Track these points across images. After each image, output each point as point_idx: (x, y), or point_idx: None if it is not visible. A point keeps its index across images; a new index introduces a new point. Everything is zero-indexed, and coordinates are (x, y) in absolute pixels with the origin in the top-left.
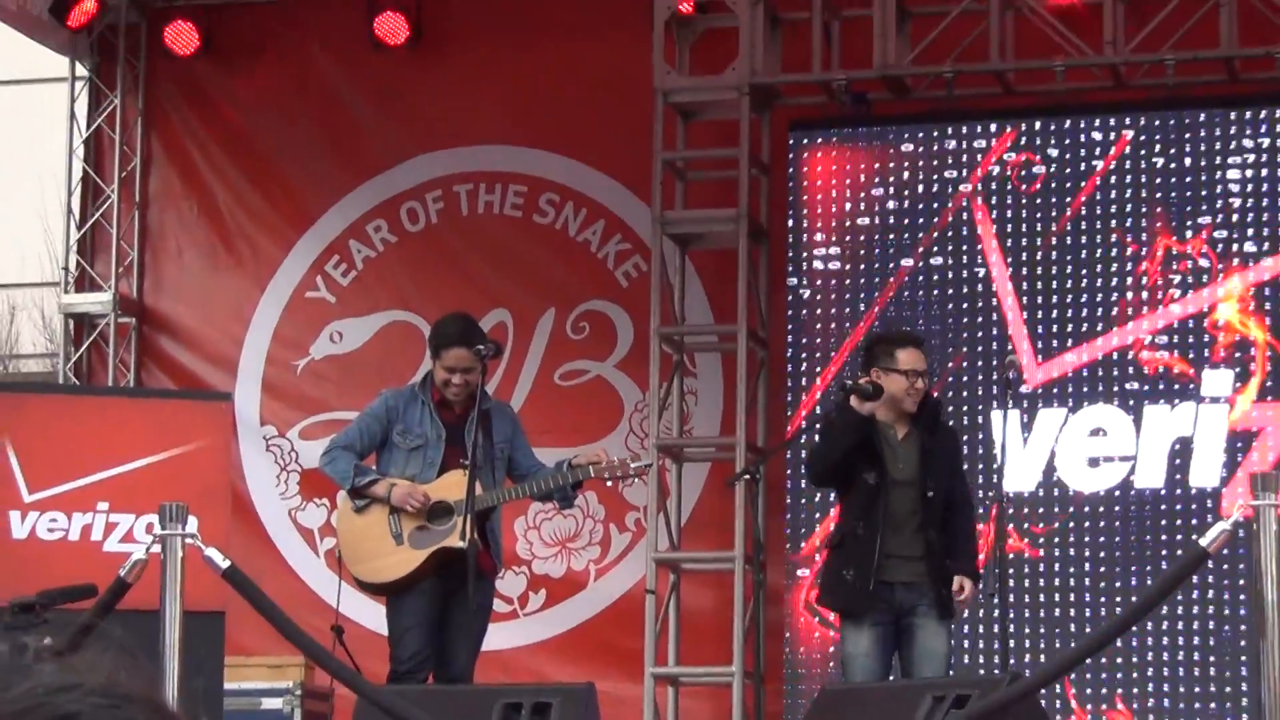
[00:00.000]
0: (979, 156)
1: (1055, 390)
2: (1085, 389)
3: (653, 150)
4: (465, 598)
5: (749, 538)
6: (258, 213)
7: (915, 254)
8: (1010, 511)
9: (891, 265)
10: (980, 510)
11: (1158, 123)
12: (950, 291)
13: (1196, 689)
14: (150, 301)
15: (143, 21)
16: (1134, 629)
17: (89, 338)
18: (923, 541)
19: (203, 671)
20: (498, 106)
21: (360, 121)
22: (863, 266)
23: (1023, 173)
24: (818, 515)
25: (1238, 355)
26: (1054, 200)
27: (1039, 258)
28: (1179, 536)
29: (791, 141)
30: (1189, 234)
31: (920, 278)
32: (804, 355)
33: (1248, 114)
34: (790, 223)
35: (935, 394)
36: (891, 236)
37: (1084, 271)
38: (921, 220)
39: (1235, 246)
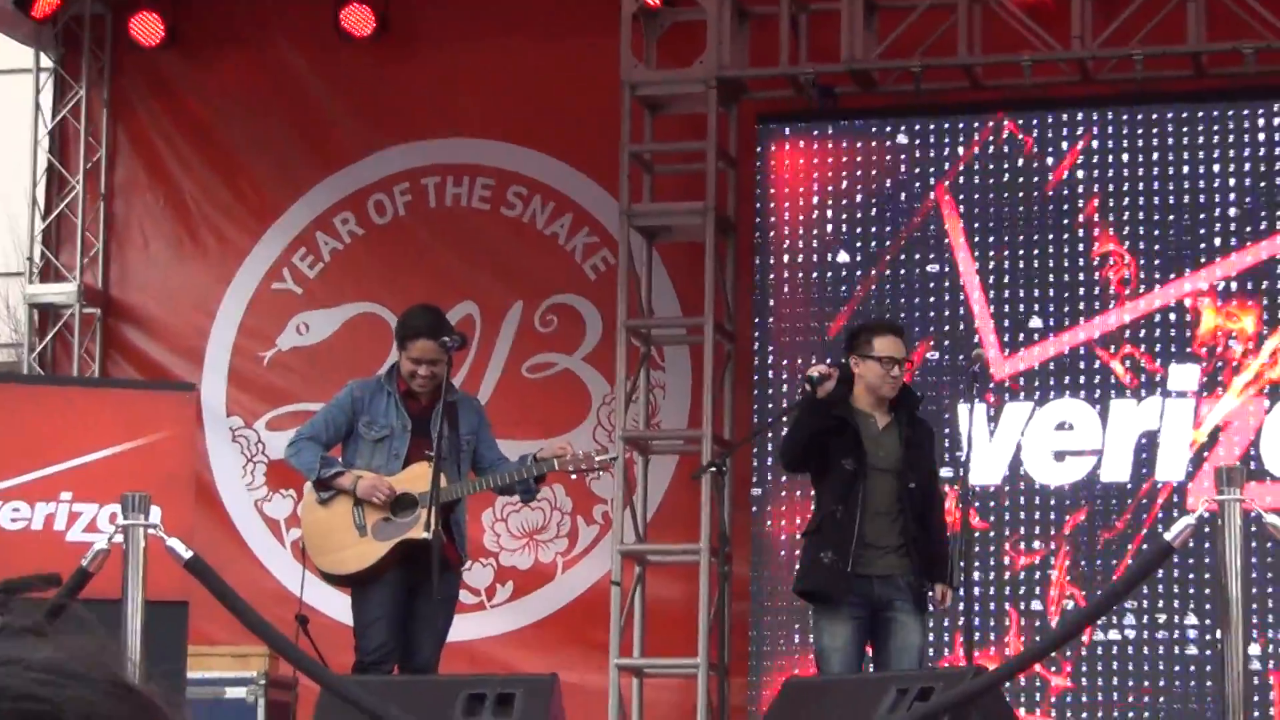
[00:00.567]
0: (946, 150)
1: (1022, 384)
2: (1052, 383)
3: (620, 143)
4: (430, 589)
5: (715, 530)
6: (224, 205)
7: (882, 248)
8: (976, 504)
9: (859, 259)
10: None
11: (1125, 118)
12: (917, 285)
13: (1161, 682)
14: (116, 292)
15: (108, 13)
16: (1099, 622)
17: (54, 328)
18: (900, 533)
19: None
20: (465, 99)
21: (327, 114)
22: (830, 260)
23: (990, 167)
24: (784, 508)
25: (1204, 350)
26: (1021, 195)
27: (1006, 252)
28: (1144, 531)
29: (759, 135)
30: (1156, 229)
31: (887, 271)
32: (771, 348)
33: (1215, 110)
34: (757, 216)
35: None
36: (859, 230)
37: (1051, 265)
38: (889, 214)
39: (1203, 243)
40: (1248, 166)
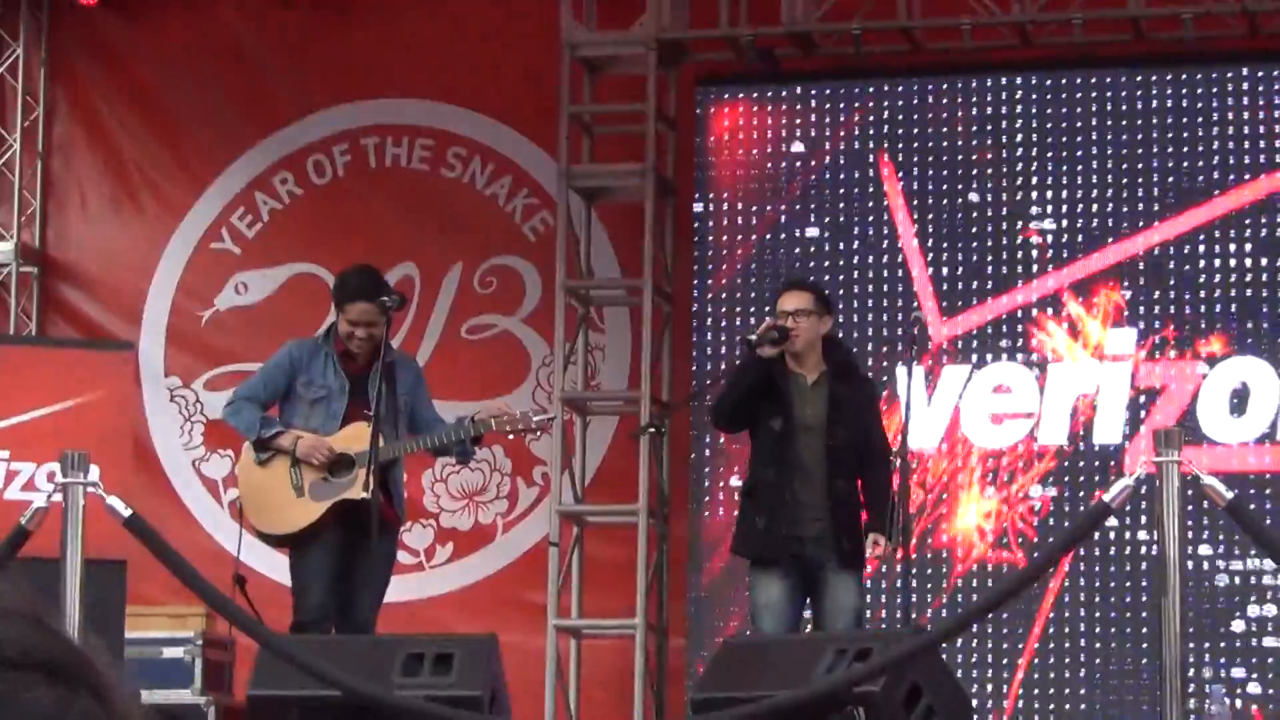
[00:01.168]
0: (886, 114)
1: (960, 347)
2: (989, 346)
3: (559, 104)
4: (368, 549)
5: (653, 491)
6: (163, 164)
7: (821, 211)
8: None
9: (798, 221)
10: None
11: (1064, 82)
12: (856, 247)
13: (1098, 645)
14: (53, 251)
15: None
16: (1037, 583)
17: None
18: (831, 493)
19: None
20: (405, 59)
21: (266, 75)
22: (769, 223)
23: (929, 130)
24: (722, 469)
25: (1142, 313)
26: (960, 158)
27: (944, 216)
28: (1082, 493)
29: (699, 97)
30: (1094, 192)
31: (826, 234)
32: (709, 310)
33: (1153, 75)
34: (696, 178)
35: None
36: (797, 193)
37: (989, 229)
38: (828, 177)
39: (1141, 205)
40: (1185, 133)
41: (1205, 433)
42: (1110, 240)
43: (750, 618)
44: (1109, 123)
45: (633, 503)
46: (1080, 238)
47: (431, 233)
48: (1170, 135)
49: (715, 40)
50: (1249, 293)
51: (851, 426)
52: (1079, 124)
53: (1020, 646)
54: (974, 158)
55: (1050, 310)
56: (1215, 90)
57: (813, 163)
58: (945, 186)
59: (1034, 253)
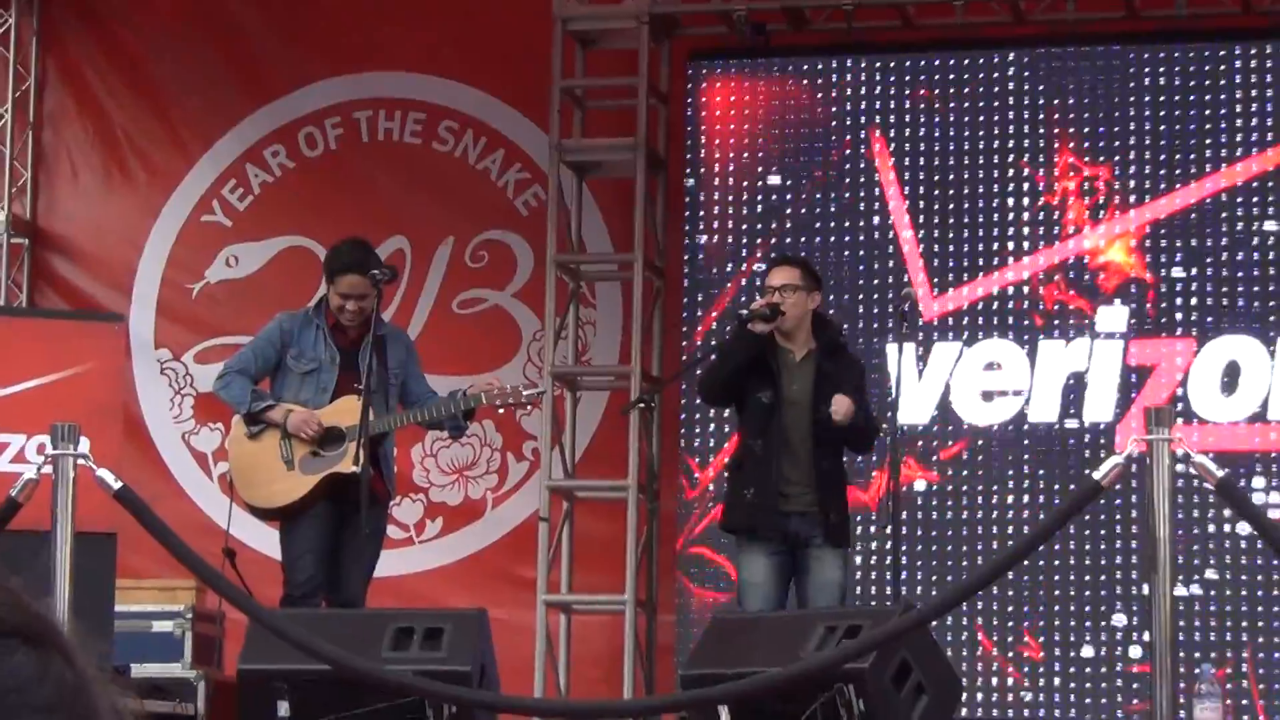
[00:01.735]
0: (878, 90)
1: (951, 323)
2: (980, 323)
3: (551, 78)
4: (358, 523)
5: (643, 467)
6: (154, 136)
7: (812, 186)
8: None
9: (789, 197)
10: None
11: (1056, 59)
12: (847, 224)
13: (1087, 623)
14: (44, 223)
15: None
16: (1027, 561)
17: None
18: (817, 468)
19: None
20: (398, 32)
21: (258, 46)
22: (760, 198)
23: (921, 106)
24: (713, 444)
25: (1133, 291)
26: (951, 135)
27: (936, 192)
28: (1072, 470)
29: (691, 72)
30: (1086, 171)
31: (818, 210)
32: (700, 285)
33: (1146, 52)
34: (688, 153)
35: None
36: (789, 169)
37: (980, 206)
38: (820, 153)
39: (1132, 183)
40: (1177, 111)
41: (1196, 411)
42: (1102, 217)
43: (737, 593)
44: (1100, 100)
45: (623, 478)
46: (1071, 215)
47: (423, 206)
48: (1163, 113)
49: (708, 15)
50: (1240, 272)
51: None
52: (1070, 101)
53: (1011, 625)
54: (966, 134)
55: (1041, 287)
56: (1208, 68)
57: (804, 138)
58: (937, 163)
59: (1025, 229)
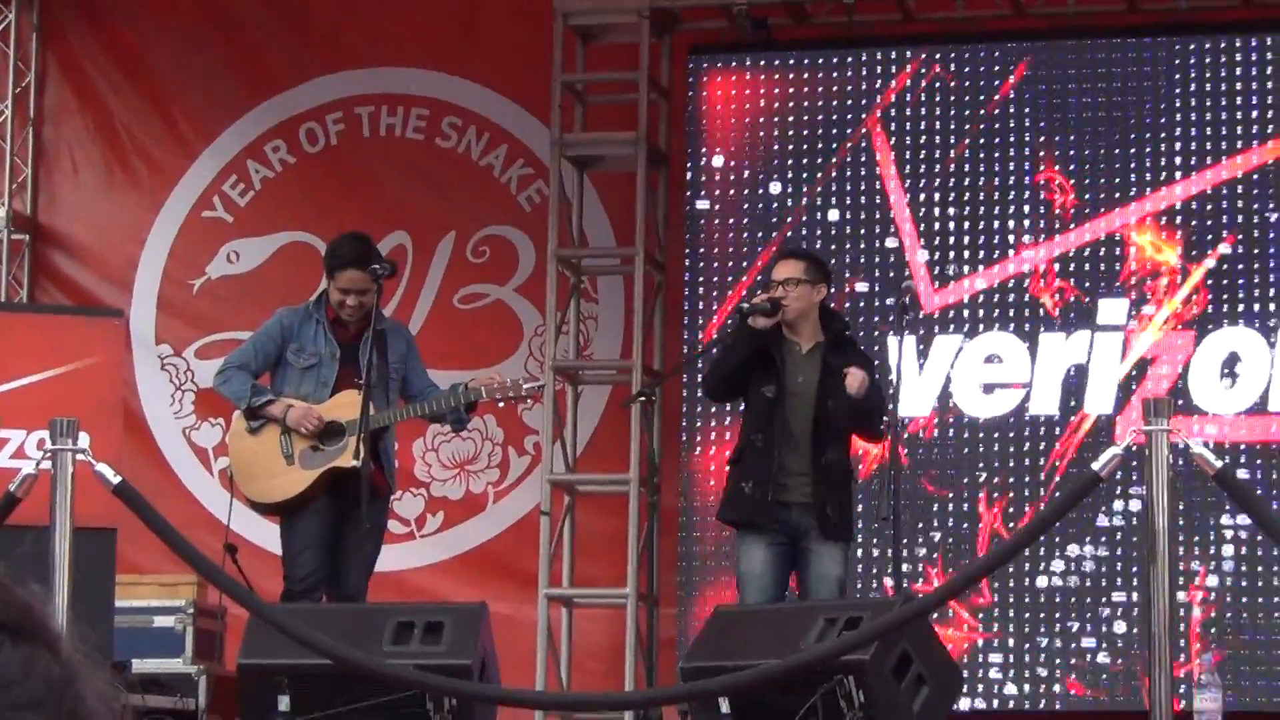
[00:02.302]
0: (878, 84)
1: (951, 316)
2: (981, 315)
3: (552, 73)
4: (358, 518)
5: (644, 461)
6: (155, 131)
7: (813, 180)
8: (905, 436)
9: (790, 191)
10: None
11: (1058, 53)
12: (849, 217)
13: (1088, 614)
14: (44, 219)
15: None
16: (1026, 552)
17: None
18: (819, 461)
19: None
20: (399, 27)
21: (260, 41)
22: (761, 192)
23: (921, 100)
24: (714, 438)
25: (1132, 284)
26: (953, 128)
27: (937, 185)
28: (1072, 462)
29: (692, 66)
30: (1086, 164)
31: (819, 203)
32: (701, 279)
33: (1146, 45)
34: (689, 148)
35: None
36: (790, 162)
37: (981, 199)
38: (820, 146)
39: (1133, 176)
40: (1178, 103)
41: (1196, 403)
42: (1102, 210)
43: (736, 584)
44: (1101, 93)
45: (624, 472)
46: (1072, 208)
47: (425, 202)
48: (1164, 105)
49: (708, 9)
50: (1240, 265)
51: (842, 395)
52: (1070, 94)
53: (1011, 614)
54: (967, 127)
55: (1041, 280)
56: (1209, 60)
57: (804, 131)
58: (938, 155)
59: (1026, 223)
